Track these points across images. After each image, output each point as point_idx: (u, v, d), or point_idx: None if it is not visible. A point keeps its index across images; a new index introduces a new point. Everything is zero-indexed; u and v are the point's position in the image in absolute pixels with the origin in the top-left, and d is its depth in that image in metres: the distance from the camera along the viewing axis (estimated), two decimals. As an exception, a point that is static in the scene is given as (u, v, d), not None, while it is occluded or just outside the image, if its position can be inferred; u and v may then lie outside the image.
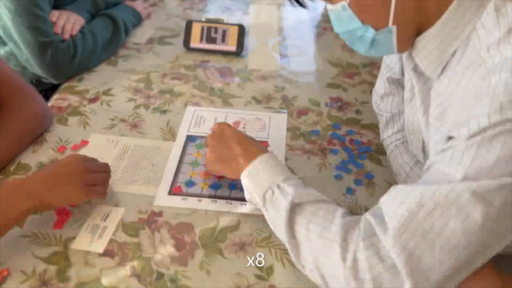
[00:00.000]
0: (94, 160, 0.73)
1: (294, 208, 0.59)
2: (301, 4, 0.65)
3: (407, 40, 0.60)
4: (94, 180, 0.69)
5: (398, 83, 0.79)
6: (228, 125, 0.77)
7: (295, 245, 0.57)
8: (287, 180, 0.63)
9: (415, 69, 0.64)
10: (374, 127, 0.94)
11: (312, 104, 1.02)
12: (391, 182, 0.80)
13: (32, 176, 0.65)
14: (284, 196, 0.60)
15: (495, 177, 0.46)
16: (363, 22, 0.59)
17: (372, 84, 1.06)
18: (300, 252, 0.57)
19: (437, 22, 0.56)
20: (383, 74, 0.81)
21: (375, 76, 0.98)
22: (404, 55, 0.69)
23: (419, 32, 0.59)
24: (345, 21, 0.60)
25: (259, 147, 0.71)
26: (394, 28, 0.58)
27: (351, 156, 0.86)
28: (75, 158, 0.69)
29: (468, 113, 0.50)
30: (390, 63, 0.79)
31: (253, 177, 0.66)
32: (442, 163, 0.50)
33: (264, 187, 0.63)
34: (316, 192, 0.62)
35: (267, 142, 0.88)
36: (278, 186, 0.62)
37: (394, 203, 0.51)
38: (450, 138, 0.52)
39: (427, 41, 0.58)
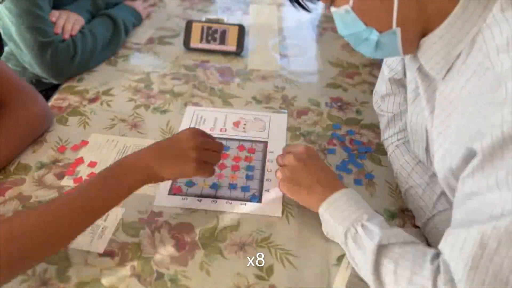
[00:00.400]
0: (209, 135, 0.74)
1: (380, 250, 0.56)
2: (303, 7, 0.65)
3: (412, 42, 0.60)
4: (206, 157, 0.70)
5: (400, 83, 0.79)
6: (314, 151, 0.75)
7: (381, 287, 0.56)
8: (372, 219, 0.60)
9: (420, 69, 0.64)
10: (374, 127, 0.94)
11: (312, 104, 1.02)
12: (391, 182, 0.80)
13: (148, 150, 0.68)
14: (370, 236, 0.58)
15: None
16: (366, 25, 0.59)
17: (372, 84, 1.06)
18: None
19: (443, 24, 0.56)
20: (385, 74, 0.81)
21: (375, 76, 0.99)
22: (407, 55, 0.69)
23: (424, 33, 0.59)
24: (349, 24, 0.60)
25: (339, 182, 0.70)
26: (398, 31, 0.57)
27: (351, 156, 0.86)
28: (193, 133, 0.70)
29: (484, 121, 0.48)
30: (392, 63, 0.79)
31: (334, 211, 0.64)
32: (485, 192, 0.48)
33: (346, 224, 0.61)
34: (403, 233, 0.58)
35: (267, 142, 0.88)
36: (363, 225, 0.60)
37: (455, 250, 0.49)
38: (470, 150, 0.50)
39: (432, 43, 0.58)
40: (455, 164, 0.53)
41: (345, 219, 0.62)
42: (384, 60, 0.82)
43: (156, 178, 0.67)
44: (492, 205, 0.47)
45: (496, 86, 0.48)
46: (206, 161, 0.70)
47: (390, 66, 0.79)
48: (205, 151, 0.70)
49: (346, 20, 0.60)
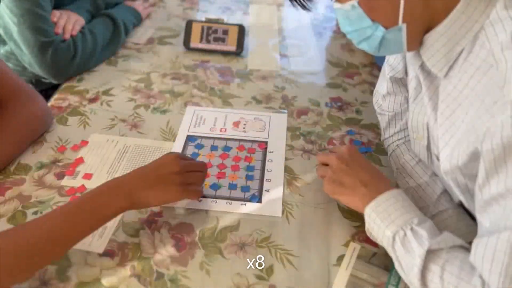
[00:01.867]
0: (190, 158, 0.75)
1: (429, 255, 0.54)
2: (304, 6, 0.64)
3: (416, 38, 0.60)
4: (189, 179, 0.69)
5: (400, 82, 0.80)
6: (357, 150, 0.73)
7: None
8: (422, 223, 0.58)
9: (422, 67, 0.64)
10: (374, 127, 0.94)
11: (312, 104, 1.02)
12: (391, 182, 0.79)
13: (130, 176, 0.66)
14: (419, 241, 0.56)
15: None
16: (373, 21, 0.59)
17: (372, 84, 1.06)
18: None
19: (445, 20, 0.56)
20: (386, 74, 0.81)
21: (375, 76, 0.99)
22: (409, 53, 0.69)
23: (427, 30, 0.59)
24: (354, 20, 0.60)
25: (386, 181, 0.67)
26: (404, 26, 0.58)
27: (351, 156, 0.86)
28: (172, 158, 0.69)
29: (492, 120, 0.48)
30: (393, 62, 0.79)
31: (381, 212, 0.61)
32: (505, 195, 0.48)
33: (394, 226, 0.59)
34: (452, 237, 0.56)
35: (267, 142, 0.89)
36: (412, 229, 0.57)
37: (486, 261, 0.49)
38: (477, 149, 0.51)
39: (435, 39, 0.58)
40: (462, 162, 0.54)
41: (394, 222, 0.59)
42: (386, 59, 0.82)
43: (140, 204, 0.66)
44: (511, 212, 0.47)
45: (501, 84, 0.49)
46: (190, 183, 0.69)
47: (392, 65, 0.79)
48: (188, 173, 0.69)
49: (351, 16, 0.60)
